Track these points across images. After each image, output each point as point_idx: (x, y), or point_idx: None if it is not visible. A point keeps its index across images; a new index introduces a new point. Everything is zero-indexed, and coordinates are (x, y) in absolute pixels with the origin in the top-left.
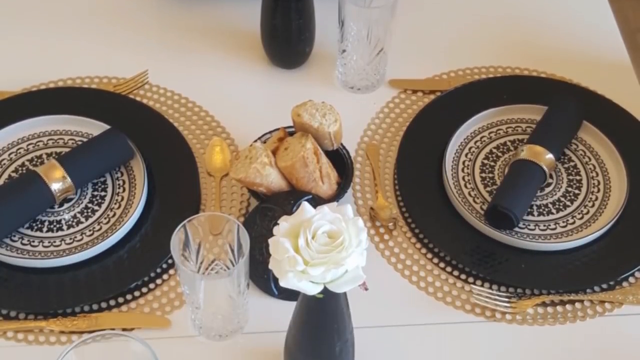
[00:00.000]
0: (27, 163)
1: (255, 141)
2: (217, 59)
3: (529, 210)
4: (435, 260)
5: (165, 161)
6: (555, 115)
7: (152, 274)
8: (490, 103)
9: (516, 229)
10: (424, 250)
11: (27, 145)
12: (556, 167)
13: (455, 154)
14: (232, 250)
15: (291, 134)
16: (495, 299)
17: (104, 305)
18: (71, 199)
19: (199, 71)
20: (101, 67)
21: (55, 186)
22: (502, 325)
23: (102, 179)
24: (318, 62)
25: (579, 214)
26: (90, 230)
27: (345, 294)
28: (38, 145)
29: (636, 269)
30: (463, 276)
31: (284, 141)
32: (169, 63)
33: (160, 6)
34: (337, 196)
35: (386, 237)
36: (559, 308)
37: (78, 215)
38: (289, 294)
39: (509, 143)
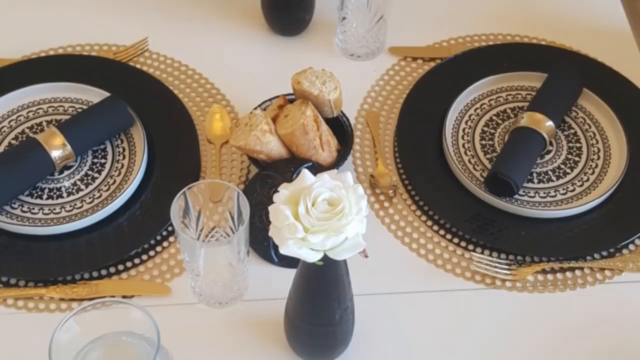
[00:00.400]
0: (27, 130)
1: (255, 109)
2: (217, 27)
3: (529, 177)
4: (435, 227)
5: (165, 128)
6: (556, 83)
7: (152, 242)
8: (490, 70)
9: (516, 196)
10: (424, 218)
11: (27, 112)
12: (556, 135)
13: (455, 121)
14: (232, 218)
15: (291, 101)
16: (495, 267)
17: (104, 272)
18: (71, 167)
19: (199, 39)
20: (101, 34)
21: (55, 153)
22: (502, 292)
23: (102, 147)
24: (318, 30)
25: (578, 181)
26: (90, 198)
27: (345, 261)
28: (38, 113)
29: (636, 236)
30: (463, 243)
31: (284, 109)
32: (169, 30)
33: None
34: (337, 163)
35: (386, 204)
36: (559, 275)
37: (78, 182)
38: (289, 262)
39: (509, 110)
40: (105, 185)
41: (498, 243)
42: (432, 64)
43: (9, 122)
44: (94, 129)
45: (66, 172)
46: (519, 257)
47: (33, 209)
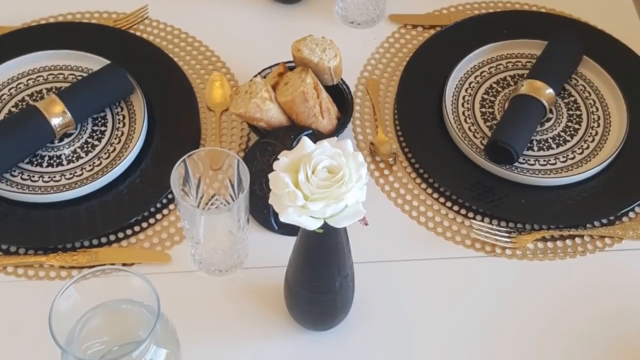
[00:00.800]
0: (27, 98)
1: (255, 76)
2: None
3: (529, 145)
4: (435, 195)
5: (165, 96)
6: (556, 50)
7: (152, 209)
8: (490, 38)
9: (516, 164)
10: (424, 185)
11: (27, 80)
12: (556, 102)
13: (455, 89)
14: (232, 185)
15: (291, 69)
16: (495, 234)
17: (103, 240)
18: (71, 134)
19: (199, 6)
20: (101, 2)
21: (55, 121)
22: (502, 260)
23: (102, 114)
24: None
25: (578, 148)
26: (90, 165)
27: (345, 229)
28: (38, 80)
29: (636, 204)
30: (463, 211)
31: (284, 76)
32: None
33: None
34: (337, 131)
35: (386, 172)
36: (559, 243)
37: (78, 150)
38: (289, 229)
39: (509, 78)
40: (105, 153)
41: (498, 211)
42: (432, 32)
43: (9, 90)
44: (94, 96)
45: (66, 140)
46: (518, 225)
47: (33, 176)
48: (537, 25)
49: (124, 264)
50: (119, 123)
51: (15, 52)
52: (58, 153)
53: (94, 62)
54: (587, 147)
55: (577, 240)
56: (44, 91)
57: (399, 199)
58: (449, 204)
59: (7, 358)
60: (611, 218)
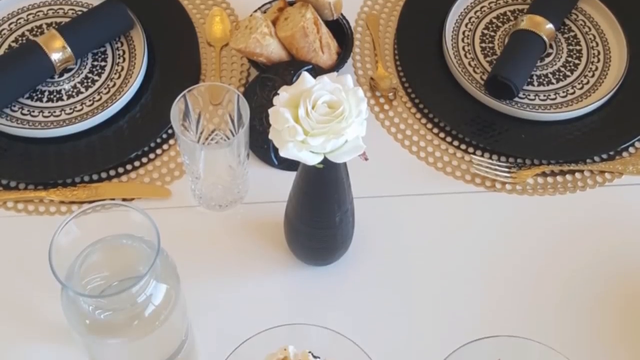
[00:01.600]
0: (27, 33)
1: (255, 11)
2: None
3: (529, 80)
4: (435, 130)
5: (165, 31)
6: None
7: (152, 144)
8: None
9: (516, 99)
10: (424, 121)
11: (27, 15)
12: (556, 37)
13: (455, 24)
14: (232, 121)
15: (291, 3)
16: (495, 169)
17: (103, 175)
18: (71, 69)
19: None
20: None
21: (55, 56)
22: (502, 195)
23: (102, 49)
24: None
25: (578, 84)
26: (90, 100)
27: (345, 164)
28: (38, 15)
29: (636, 139)
30: (463, 146)
31: (284, 11)
32: None
33: None
34: (337, 66)
35: (386, 107)
36: (559, 178)
37: (78, 85)
38: (289, 164)
39: (509, 13)
40: (105, 88)
41: (498, 146)
42: None
43: (9, 25)
44: (94, 31)
45: (66, 75)
46: (519, 160)
47: (33, 111)
48: None
49: (124, 199)
50: (119, 58)
51: None
52: (58, 88)
53: None
54: (587, 82)
55: (577, 175)
56: (44, 26)
57: (399, 134)
58: (449, 139)
59: (7, 293)
60: (611, 153)
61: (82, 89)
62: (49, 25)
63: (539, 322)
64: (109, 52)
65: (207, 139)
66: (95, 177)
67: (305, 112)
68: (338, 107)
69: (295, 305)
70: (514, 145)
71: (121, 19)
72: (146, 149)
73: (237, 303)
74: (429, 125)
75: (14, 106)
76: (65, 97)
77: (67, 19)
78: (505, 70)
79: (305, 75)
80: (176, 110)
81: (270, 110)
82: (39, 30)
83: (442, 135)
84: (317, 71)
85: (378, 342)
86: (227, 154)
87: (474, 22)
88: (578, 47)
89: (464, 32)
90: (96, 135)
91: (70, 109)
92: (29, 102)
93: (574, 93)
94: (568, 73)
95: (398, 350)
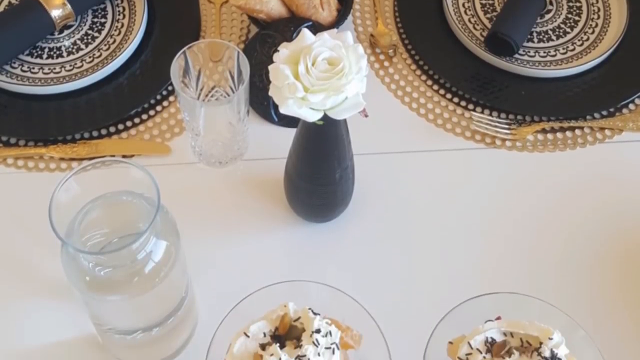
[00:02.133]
0: None
1: None
2: None
3: (528, 37)
4: (436, 87)
5: None
6: None
7: (152, 101)
8: None
9: (516, 55)
10: (424, 77)
11: None
12: None
13: None
14: (232, 77)
15: None
16: (495, 126)
17: (103, 132)
18: (71, 26)
19: None
20: None
21: (55, 13)
22: (502, 152)
23: (102, 6)
24: None
25: (578, 40)
26: (90, 57)
27: (345, 120)
28: None
29: (636, 95)
30: (463, 103)
31: None
32: None
33: None
34: (337, 23)
35: (386, 64)
36: (559, 135)
37: (78, 42)
38: (288, 121)
39: None
40: (105, 45)
41: (498, 102)
42: None
43: None
44: None
45: (66, 32)
46: (518, 117)
47: (33, 68)
48: None
49: (124, 156)
50: (118, 15)
51: None
52: (58, 45)
53: None
54: (587, 39)
55: (577, 132)
56: None
57: (399, 91)
58: (449, 95)
59: (8, 250)
60: (611, 110)
61: (82, 46)
62: None
63: (539, 278)
64: (109, 8)
65: (207, 95)
66: (95, 133)
67: (305, 68)
68: (338, 64)
69: (295, 262)
70: (513, 102)
71: None
72: (146, 105)
73: (237, 260)
74: (429, 82)
75: (14, 63)
76: (65, 54)
77: None
78: (505, 27)
79: (305, 32)
80: (176, 67)
81: (270, 67)
82: None
83: (442, 92)
84: (317, 28)
85: (378, 299)
86: (227, 111)
87: None
88: (578, 4)
89: None
90: (96, 92)
91: (70, 65)
92: (29, 58)
93: (573, 50)
94: (568, 30)
95: (397, 306)
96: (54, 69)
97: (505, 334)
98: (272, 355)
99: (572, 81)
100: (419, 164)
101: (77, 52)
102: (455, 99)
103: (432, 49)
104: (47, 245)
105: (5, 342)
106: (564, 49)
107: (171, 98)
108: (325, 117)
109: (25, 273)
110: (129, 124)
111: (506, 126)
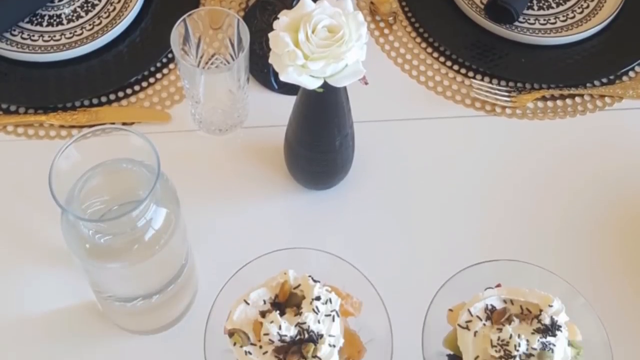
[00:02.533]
0: None
1: None
2: None
3: (528, 4)
4: (435, 54)
5: None
6: None
7: (152, 68)
8: None
9: (516, 23)
10: (424, 45)
11: None
12: None
13: None
14: (232, 45)
15: None
16: (495, 93)
17: (104, 99)
18: None
19: None
20: None
21: None
22: (502, 119)
23: None
24: None
25: (578, 8)
26: (90, 25)
27: (345, 88)
28: None
29: (636, 63)
30: (463, 70)
31: None
32: None
33: None
34: None
35: (386, 31)
36: (559, 102)
37: (78, 9)
38: (288, 88)
39: None
40: (105, 12)
41: (498, 70)
42: None
43: None
44: None
45: None
46: (519, 84)
47: (33, 36)
48: None
49: (124, 123)
50: None
51: None
52: (58, 12)
53: None
54: (587, 7)
55: (577, 99)
56: None
57: (398, 59)
58: (449, 63)
59: (8, 217)
60: (611, 77)
61: (82, 13)
62: None
63: (539, 245)
64: None
65: (207, 63)
66: (95, 101)
67: (305, 36)
68: (338, 31)
69: (294, 230)
70: (513, 69)
71: None
72: (146, 73)
73: (236, 227)
74: (429, 50)
75: (14, 30)
76: (65, 22)
77: None
78: None
79: (305, 0)
80: (176, 35)
81: (270, 35)
82: None
83: (442, 59)
84: None
85: (377, 266)
86: (227, 78)
87: None
88: None
89: None
90: (96, 59)
91: (70, 33)
92: (29, 26)
93: (574, 17)
94: None
95: (397, 273)
96: (54, 36)
97: (505, 302)
98: (272, 322)
99: (572, 49)
100: (419, 132)
101: (77, 19)
102: (455, 67)
103: (432, 17)
104: (47, 213)
105: (6, 309)
106: (564, 16)
107: (171, 65)
108: (325, 85)
109: (26, 240)
110: (129, 91)
111: (506, 94)
